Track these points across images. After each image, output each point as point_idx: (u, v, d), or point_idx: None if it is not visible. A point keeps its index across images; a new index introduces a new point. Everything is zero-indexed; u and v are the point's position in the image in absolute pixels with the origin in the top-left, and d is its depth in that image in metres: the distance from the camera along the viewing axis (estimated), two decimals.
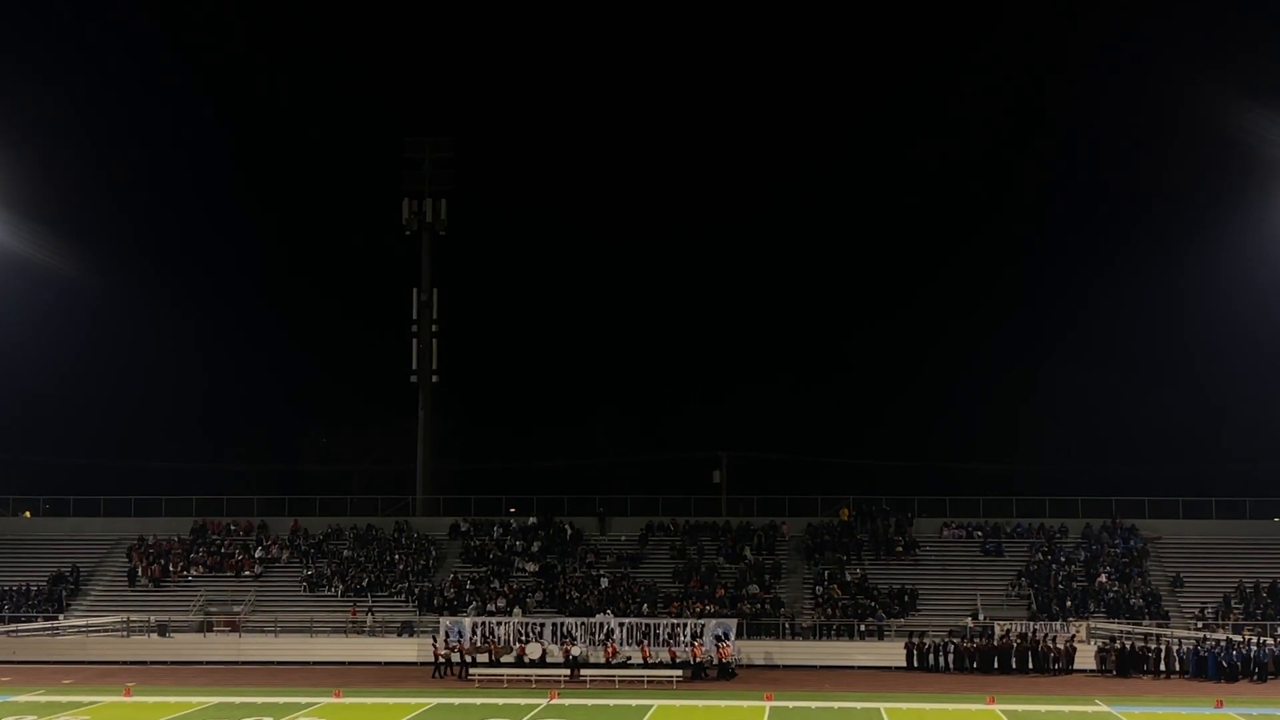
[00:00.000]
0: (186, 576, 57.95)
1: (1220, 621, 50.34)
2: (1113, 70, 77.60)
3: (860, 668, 48.79)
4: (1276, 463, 64.49)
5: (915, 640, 48.89)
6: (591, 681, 44.49)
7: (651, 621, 49.44)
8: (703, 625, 48.44)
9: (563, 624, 49.40)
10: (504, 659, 47.31)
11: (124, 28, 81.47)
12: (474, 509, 62.62)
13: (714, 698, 40.67)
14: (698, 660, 46.41)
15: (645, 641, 47.65)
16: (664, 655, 46.96)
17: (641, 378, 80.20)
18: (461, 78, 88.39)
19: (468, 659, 46.99)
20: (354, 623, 53.26)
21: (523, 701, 39.39)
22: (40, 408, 75.98)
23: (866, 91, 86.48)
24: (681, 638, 47.78)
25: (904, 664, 48.36)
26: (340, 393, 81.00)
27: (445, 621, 50.52)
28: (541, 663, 46.98)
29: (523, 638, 48.03)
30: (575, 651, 47.07)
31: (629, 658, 46.99)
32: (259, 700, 39.56)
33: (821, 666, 48.48)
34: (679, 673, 45.08)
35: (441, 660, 46.96)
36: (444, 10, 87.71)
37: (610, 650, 47.29)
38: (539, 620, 50.24)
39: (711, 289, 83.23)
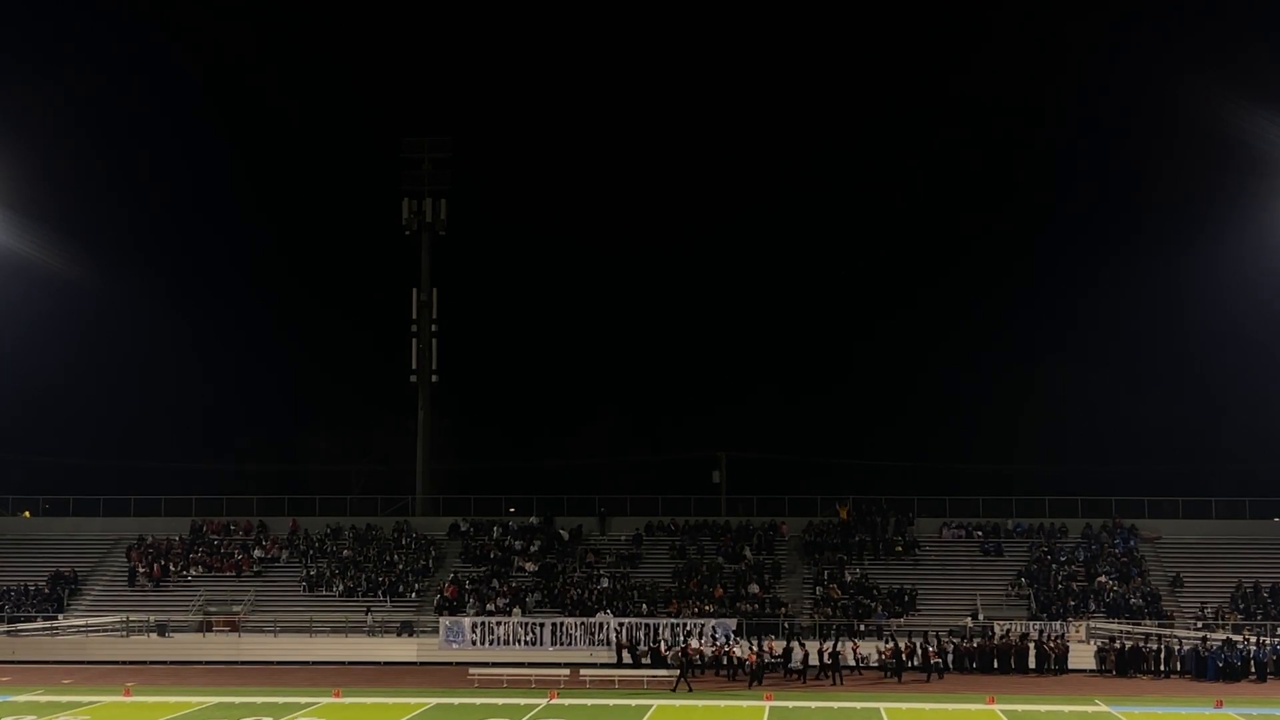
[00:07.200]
0: (186, 576, 57.94)
1: (1220, 621, 50.29)
2: (1112, 70, 77.75)
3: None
4: (1276, 463, 64.44)
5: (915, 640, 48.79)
6: (591, 681, 44.44)
7: (651, 621, 49.51)
8: (702, 625, 48.58)
9: (562, 624, 49.47)
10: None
11: (124, 28, 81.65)
12: (474, 509, 62.58)
13: (713, 698, 40.63)
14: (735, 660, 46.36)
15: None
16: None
17: (641, 378, 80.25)
18: (460, 78, 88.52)
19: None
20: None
21: (522, 701, 39.35)
22: (39, 408, 76.03)
23: (866, 97, 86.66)
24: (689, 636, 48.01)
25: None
26: (340, 393, 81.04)
27: (445, 621, 50.65)
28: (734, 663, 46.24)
29: (730, 640, 47.39)
30: (739, 653, 46.51)
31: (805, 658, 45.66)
32: (258, 700, 39.55)
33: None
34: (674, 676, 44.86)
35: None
36: (442, 10, 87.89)
37: (769, 647, 46.39)
38: (539, 620, 50.31)
39: (712, 290, 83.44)
